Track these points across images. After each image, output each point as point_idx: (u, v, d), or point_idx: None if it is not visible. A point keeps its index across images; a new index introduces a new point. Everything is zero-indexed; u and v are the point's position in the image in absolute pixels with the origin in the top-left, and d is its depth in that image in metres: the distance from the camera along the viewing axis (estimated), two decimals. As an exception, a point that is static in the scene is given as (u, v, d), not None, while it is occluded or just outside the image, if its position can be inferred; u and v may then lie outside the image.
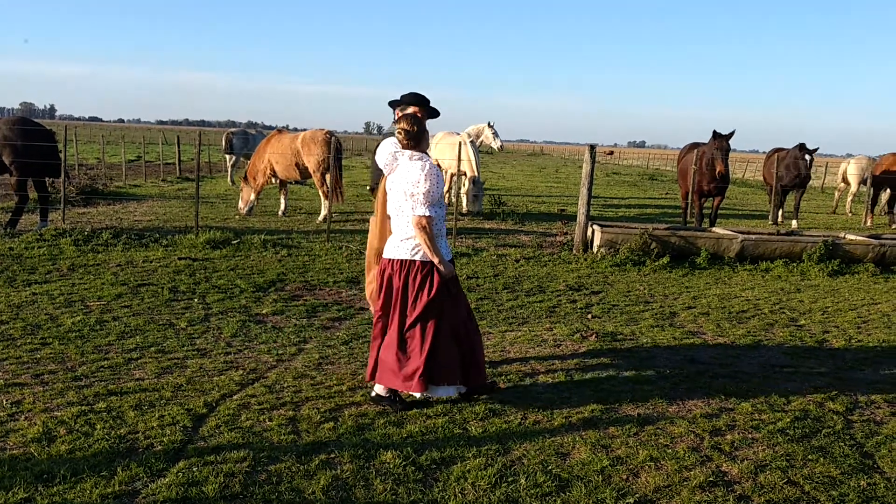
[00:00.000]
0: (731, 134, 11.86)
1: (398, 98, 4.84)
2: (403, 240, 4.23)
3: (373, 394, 4.44)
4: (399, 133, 4.24)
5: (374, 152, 4.82)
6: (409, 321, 4.23)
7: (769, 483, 3.59)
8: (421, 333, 4.21)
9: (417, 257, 4.21)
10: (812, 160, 14.71)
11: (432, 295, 4.20)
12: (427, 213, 4.10)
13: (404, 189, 4.14)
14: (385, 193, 4.40)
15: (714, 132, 11.89)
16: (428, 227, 4.10)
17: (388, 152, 4.32)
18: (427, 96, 4.80)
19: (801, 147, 14.71)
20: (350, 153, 48.88)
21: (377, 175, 4.74)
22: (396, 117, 4.57)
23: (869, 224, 16.34)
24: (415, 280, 4.22)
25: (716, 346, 6.01)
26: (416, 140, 4.24)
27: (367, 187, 4.94)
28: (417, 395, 4.30)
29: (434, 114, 4.81)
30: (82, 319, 5.90)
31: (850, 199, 19.24)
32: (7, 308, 6.16)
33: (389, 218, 4.38)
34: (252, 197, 13.31)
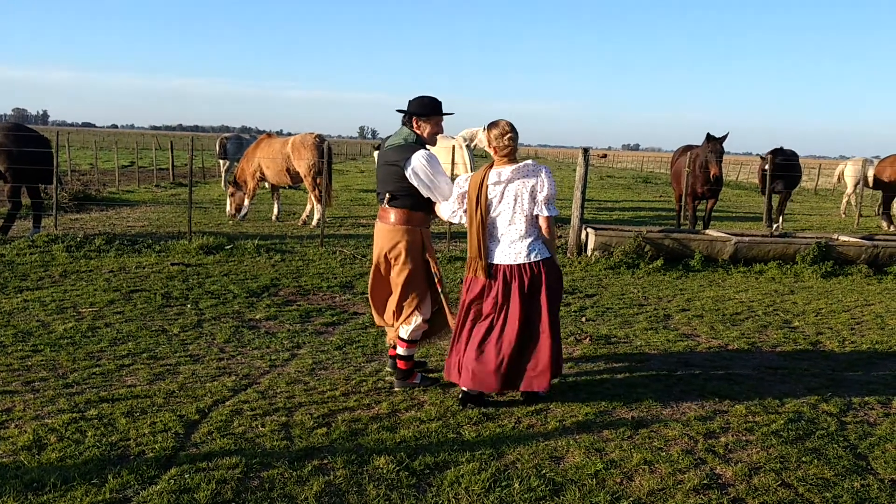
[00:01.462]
0: (725, 137, 11.88)
1: (407, 107, 4.60)
2: (530, 243, 4.34)
3: (461, 395, 4.53)
4: (509, 138, 4.31)
5: (383, 156, 4.65)
6: (551, 319, 4.36)
7: (763, 485, 3.59)
8: (556, 328, 4.42)
9: (544, 255, 4.38)
10: (774, 165, 14.25)
11: (559, 288, 4.46)
12: (554, 213, 4.38)
13: (530, 193, 4.28)
14: (486, 201, 4.31)
15: (708, 135, 11.91)
16: (553, 226, 4.40)
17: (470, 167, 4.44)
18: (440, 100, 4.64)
19: (773, 152, 14.62)
20: (345, 157, 48.88)
21: (389, 183, 4.57)
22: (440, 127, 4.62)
23: (886, 228, 16.11)
24: (548, 277, 4.36)
25: (710, 349, 6.01)
26: (517, 145, 4.42)
27: (378, 192, 4.81)
28: (544, 391, 4.46)
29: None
30: (74, 326, 5.87)
31: (845, 200, 19.28)
32: (-2, 315, 6.12)
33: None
34: (246, 202, 13.29)
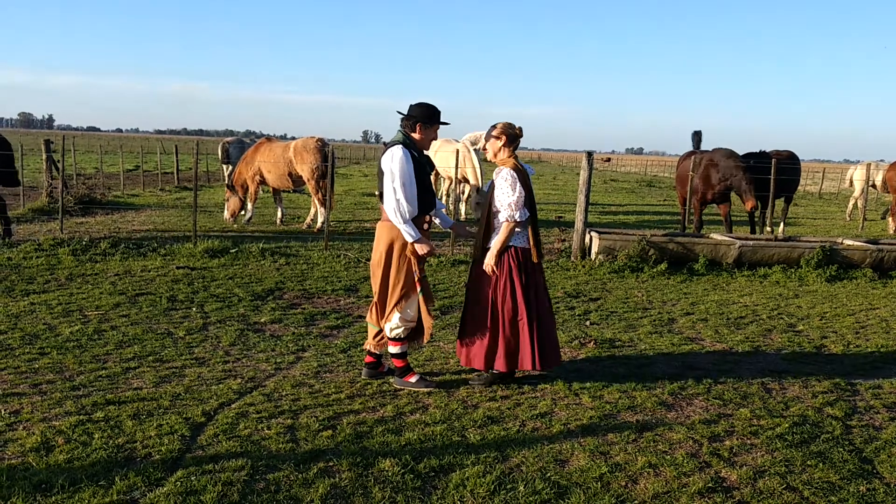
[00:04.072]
0: (751, 162, 11.96)
1: (410, 112, 4.68)
2: None
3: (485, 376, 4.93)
4: (519, 127, 4.88)
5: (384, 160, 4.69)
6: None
7: (768, 489, 3.59)
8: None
9: None
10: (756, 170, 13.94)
11: None
12: None
13: None
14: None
15: (736, 157, 11.87)
16: None
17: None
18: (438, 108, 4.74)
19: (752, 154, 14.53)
20: (348, 161, 48.95)
21: (381, 181, 4.71)
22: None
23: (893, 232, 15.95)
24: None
25: (714, 352, 6.01)
26: None
27: (377, 193, 4.99)
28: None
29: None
30: (80, 329, 5.89)
31: (851, 204, 19.24)
32: (5, 318, 6.15)
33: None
34: (249, 205, 13.32)
